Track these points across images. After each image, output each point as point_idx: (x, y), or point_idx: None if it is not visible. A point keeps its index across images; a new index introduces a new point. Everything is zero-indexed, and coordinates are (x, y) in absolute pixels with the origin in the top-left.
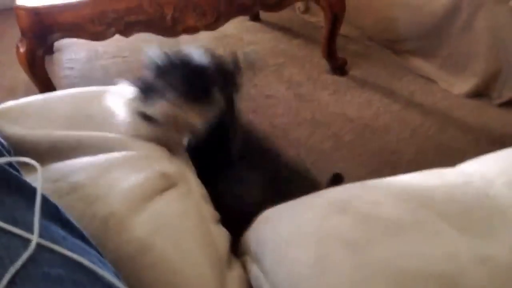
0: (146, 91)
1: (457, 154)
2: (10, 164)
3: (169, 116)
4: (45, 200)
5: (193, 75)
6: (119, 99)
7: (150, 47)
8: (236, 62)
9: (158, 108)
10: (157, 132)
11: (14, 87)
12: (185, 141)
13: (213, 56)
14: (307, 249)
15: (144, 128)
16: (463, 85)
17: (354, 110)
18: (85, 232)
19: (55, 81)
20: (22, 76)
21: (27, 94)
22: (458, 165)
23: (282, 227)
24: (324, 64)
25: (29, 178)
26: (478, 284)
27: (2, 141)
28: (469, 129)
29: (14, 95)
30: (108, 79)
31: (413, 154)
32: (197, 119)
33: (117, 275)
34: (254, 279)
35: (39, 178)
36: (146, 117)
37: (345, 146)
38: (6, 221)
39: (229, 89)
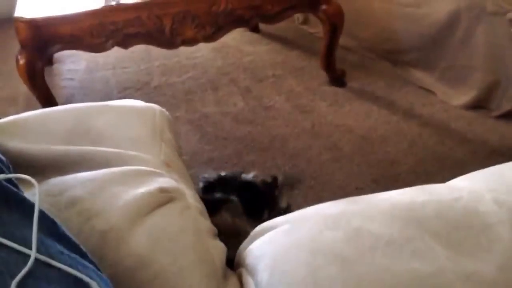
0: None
1: (455, 165)
2: (9, 180)
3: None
4: (43, 215)
5: (250, 192)
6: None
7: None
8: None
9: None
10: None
11: (15, 97)
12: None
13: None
14: (300, 263)
15: None
16: (461, 96)
17: (353, 121)
18: (82, 247)
19: (55, 92)
20: (22, 87)
21: (27, 104)
22: (449, 181)
23: (277, 240)
24: (323, 75)
25: (28, 193)
26: None
27: (2, 157)
28: (467, 140)
29: (15, 105)
30: (108, 90)
31: (411, 165)
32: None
33: None
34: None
35: (37, 194)
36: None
37: (344, 157)
38: (5, 236)
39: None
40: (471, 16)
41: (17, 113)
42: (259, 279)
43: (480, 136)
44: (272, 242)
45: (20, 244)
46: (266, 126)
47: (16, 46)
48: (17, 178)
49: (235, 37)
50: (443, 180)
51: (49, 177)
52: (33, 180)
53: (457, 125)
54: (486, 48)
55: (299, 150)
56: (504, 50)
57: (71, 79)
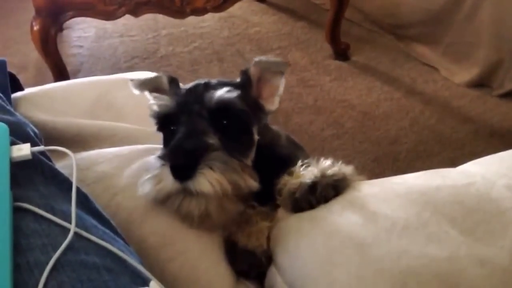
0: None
1: (456, 145)
2: (43, 152)
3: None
4: (77, 190)
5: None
6: None
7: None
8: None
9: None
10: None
11: (25, 64)
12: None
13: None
14: (318, 245)
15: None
16: (464, 74)
17: (356, 97)
18: (112, 222)
19: (64, 59)
20: (33, 54)
21: (38, 71)
22: (460, 165)
23: (296, 223)
24: (327, 48)
25: (59, 165)
26: (477, 285)
27: (35, 129)
28: (468, 119)
29: (24, 72)
30: (115, 59)
31: (412, 143)
32: (253, 175)
33: (142, 263)
34: (268, 274)
35: (74, 168)
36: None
37: (346, 134)
38: (45, 209)
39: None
40: None
41: (27, 80)
42: (278, 262)
43: (482, 116)
44: (290, 224)
45: (59, 218)
46: None
47: (26, 12)
48: (49, 151)
49: (242, 7)
50: (444, 160)
51: (73, 151)
52: (70, 153)
53: (459, 103)
54: (492, 25)
55: (301, 125)
56: (510, 28)
57: (80, 46)
